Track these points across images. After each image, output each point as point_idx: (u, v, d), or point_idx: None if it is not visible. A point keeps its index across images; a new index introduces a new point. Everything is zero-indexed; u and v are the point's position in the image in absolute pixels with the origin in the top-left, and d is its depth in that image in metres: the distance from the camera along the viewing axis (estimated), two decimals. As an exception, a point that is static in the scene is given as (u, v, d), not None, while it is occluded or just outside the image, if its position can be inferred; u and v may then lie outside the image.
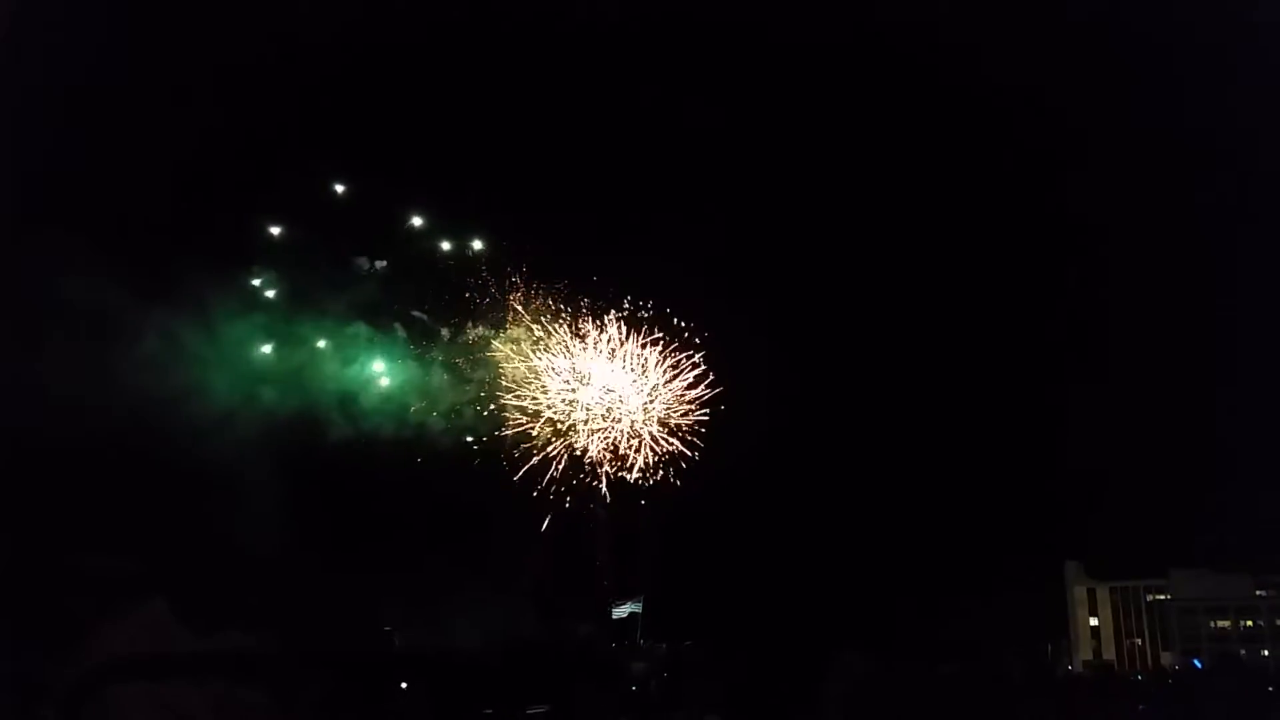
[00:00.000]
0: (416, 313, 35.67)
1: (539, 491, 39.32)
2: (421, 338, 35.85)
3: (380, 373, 33.89)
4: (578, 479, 40.88)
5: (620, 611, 44.20)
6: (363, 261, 34.98)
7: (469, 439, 37.11)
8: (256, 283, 32.75)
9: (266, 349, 32.05)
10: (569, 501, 39.43)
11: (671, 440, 41.76)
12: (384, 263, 35.38)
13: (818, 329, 46.75)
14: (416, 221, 37.40)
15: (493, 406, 38.38)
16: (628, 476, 41.59)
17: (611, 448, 41.31)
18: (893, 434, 47.44)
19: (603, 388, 41.39)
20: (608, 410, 41.17)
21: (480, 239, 38.51)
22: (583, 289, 42.04)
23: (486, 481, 37.59)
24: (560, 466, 40.57)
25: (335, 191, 35.45)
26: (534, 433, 39.80)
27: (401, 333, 35.20)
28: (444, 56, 39.25)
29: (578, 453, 41.25)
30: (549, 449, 40.47)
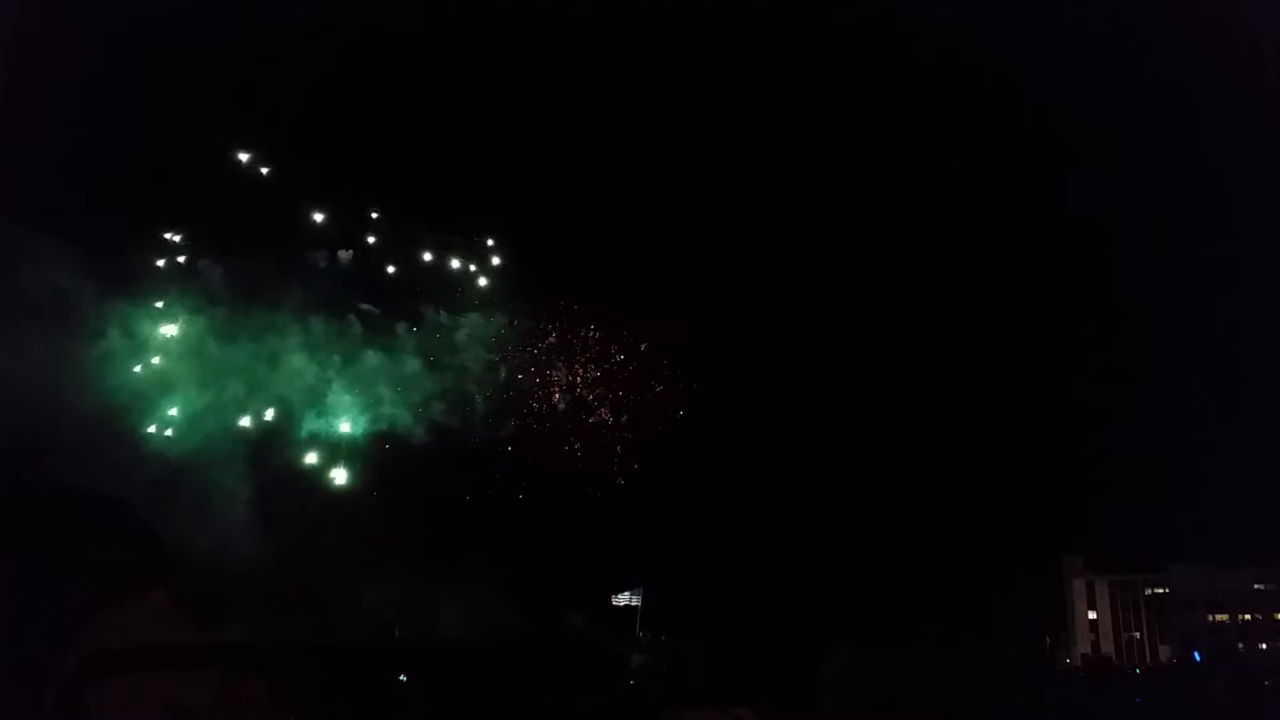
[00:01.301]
0: (367, 306, 35.08)
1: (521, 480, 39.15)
2: (377, 331, 35.18)
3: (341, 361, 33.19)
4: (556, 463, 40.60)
5: (619, 603, 44.16)
6: (319, 256, 34.42)
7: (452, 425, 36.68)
8: (214, 275, 31.96)
9: (227, 344, 31.28)
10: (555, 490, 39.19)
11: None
12: (348, 253, 34.95)
13: (817, 319, 46.85)
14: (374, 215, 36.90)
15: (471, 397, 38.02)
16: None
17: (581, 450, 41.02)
18: (893, 426, 47.55)
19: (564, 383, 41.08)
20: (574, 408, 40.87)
21: (438, 235, 38.00)
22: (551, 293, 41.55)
23: (467, 469, 37.37)
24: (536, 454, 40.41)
25: (286, 185, 34.87)
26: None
27: (357, 327, 34.62)
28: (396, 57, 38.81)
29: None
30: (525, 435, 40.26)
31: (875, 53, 42.52)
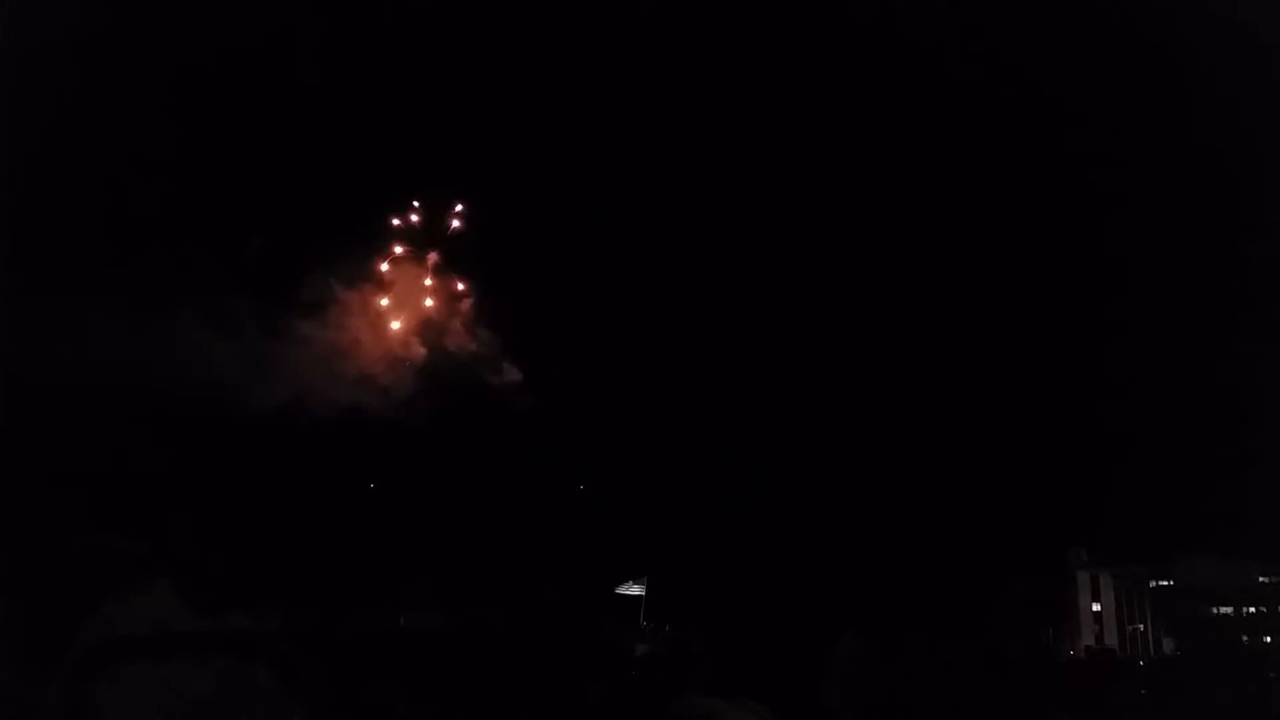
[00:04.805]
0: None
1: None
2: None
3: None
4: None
5: (623, 592, 44.16)
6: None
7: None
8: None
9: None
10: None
11: None
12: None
13: (823, 311, 46.79)
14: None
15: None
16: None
17: None
18: (897, 419, 47.55)
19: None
20: None
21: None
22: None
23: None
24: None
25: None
26: None
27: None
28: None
29: None
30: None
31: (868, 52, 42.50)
